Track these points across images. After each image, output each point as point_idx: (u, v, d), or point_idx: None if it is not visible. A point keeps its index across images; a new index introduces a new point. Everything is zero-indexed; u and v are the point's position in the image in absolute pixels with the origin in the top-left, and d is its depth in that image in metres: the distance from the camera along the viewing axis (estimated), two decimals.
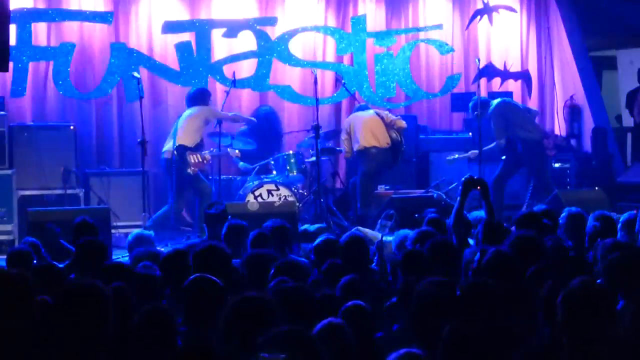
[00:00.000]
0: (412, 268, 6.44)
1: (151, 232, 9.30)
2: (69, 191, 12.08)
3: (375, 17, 14.68)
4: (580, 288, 4.31)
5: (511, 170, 12.93)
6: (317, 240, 7.71)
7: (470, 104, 12.79)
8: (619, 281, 5.78)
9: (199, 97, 12.47)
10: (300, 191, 12.47)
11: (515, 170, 12.99)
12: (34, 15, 13.03)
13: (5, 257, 7.66)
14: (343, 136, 12.75)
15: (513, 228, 8.04)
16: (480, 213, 8.91)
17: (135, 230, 9.40)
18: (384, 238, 8.76)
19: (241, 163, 13.07)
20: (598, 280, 6.25)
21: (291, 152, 12.75)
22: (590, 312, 4.25)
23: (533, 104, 15.35)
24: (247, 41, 14.03)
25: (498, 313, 5.27)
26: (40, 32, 13.11)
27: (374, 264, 8.02)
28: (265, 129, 13.19)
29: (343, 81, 12.54)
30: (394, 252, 8.16)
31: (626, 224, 8.33)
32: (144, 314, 4.77)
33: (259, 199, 11.97)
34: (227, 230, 8.36)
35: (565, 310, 4.28)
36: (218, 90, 13.70)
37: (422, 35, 14.94)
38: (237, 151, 12.49)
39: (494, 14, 15.24)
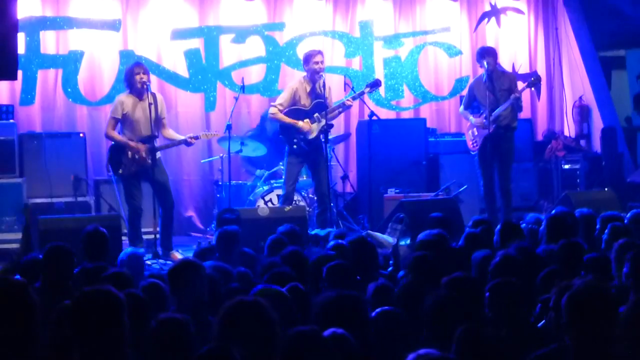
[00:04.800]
0: (420, 273, 6.44)
1: (141, 249, 9.20)
2: (80, 199, 12.10)
3: (383, 21, 14.68)
4: (584, 290, 4.28)
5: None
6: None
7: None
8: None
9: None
10: (311, 196, 12.45)
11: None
12: (43, 23, 13.06)
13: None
14: None
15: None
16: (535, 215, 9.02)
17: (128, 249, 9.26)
18: (400, 242, 8.77)
19: (258, 171, 13.03)
20: (615, 282, 6.28)
21: None
22: (594, 314, 4.21)
23: (542, 105, 15.36)
24: (255, 47, 14.06)
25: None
26: (49, 41, 13.14)
27: (389, 268, 8.03)
28: (273, 132, 13.17)
29: (352, 85, 12.47)
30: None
31: (633, 220, 8.36)
32: (160, 324, 4.74)
33: (269, 204, 11.97)
34: (218, 237, 8.36)
35: (569, 313, 4.25)
36: (227, 96, 13.72)
37: (430, 38, 14.94)
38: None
39: (502, 16, 15.24)
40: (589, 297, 4.25)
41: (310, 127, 11.53)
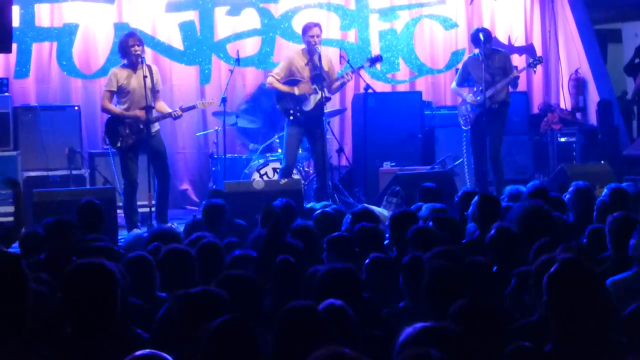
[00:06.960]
0: (420, 244, 6.42)
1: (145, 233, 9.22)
2: (75, 172, 12.09)
3: None
4: (563, 268, 4.25)
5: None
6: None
7: None
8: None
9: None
10: (306, 169, 12.45)
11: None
12: None
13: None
14: None
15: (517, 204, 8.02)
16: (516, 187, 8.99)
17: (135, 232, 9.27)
18: None
19: (251, 145, 13.04)
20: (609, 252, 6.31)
21: None
22: (573, 293, 4.19)
23: (538, 78, 15.32)
24: (250, 19, 14.01)
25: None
26: (44, 13, 13.10)
27: (385, 241, 8.02)
28: (268, 105, 13.12)
29: (347, 58, 12.38)
30: None
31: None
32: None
33: (265, 177, 11.96)
34: (204, 210, 8.43)
35: (549, 292, 4.24)
36: (222, 68, 13.68)
37: (425, 10, 14.88)
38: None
39: None
40: (568, 277, 4.22)
41: (307, 89, 11.44)
